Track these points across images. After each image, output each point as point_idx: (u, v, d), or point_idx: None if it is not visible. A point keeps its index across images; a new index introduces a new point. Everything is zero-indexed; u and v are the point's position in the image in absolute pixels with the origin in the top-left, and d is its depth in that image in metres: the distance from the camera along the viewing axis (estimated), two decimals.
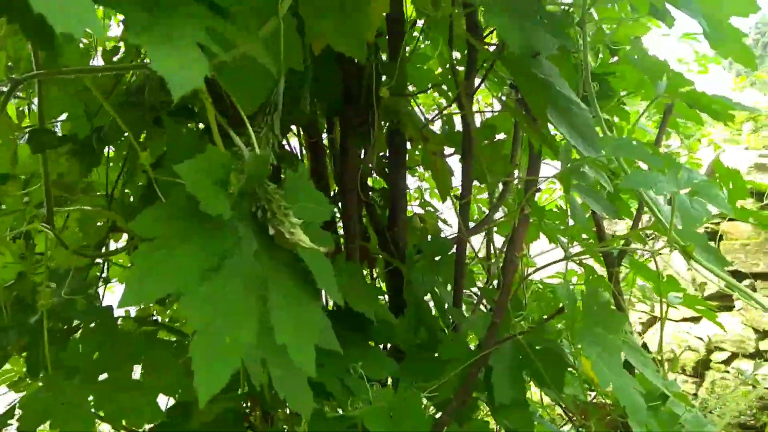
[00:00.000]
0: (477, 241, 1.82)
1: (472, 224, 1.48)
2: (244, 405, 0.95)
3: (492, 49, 1.32)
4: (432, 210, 1.83)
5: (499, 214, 1.67)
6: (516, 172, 1.60)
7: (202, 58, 0.42)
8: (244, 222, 0.51)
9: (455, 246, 1.31)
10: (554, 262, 0.89)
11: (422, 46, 1.81)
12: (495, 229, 1.85)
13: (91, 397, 0.61)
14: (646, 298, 1.77)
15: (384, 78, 1.30)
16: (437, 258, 1.41)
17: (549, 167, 1.54)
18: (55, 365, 0.63)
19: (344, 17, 0.66)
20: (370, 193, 1.51)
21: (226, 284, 0.48)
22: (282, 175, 0.59)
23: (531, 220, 0.96)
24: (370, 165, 1.23)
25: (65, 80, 1.12)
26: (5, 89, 0.60)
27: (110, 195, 1.06)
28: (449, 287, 1.36)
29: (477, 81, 1.32)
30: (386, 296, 1.55)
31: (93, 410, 0.60)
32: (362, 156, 1.28)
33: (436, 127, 1.95)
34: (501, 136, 1.70)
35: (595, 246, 1.06)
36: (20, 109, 1.14)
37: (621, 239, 0.94)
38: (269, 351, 0.53)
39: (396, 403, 0.85)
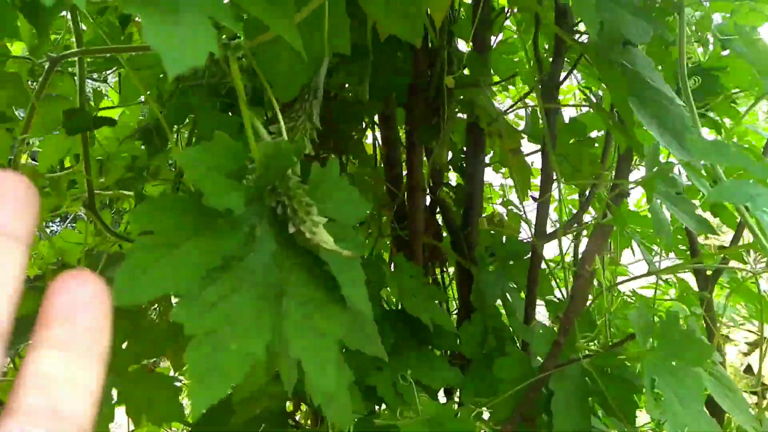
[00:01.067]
0: (567, 243, 1.70)
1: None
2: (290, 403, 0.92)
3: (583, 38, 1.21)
4: (514, 209, 1.73)
5: (588, 218, 1.56)
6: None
7: (210, 34, 0.37)
8: (264, 220, 0.46)
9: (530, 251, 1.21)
10: (635, 278, 0.79)
11: (515, 36, 1.71)
12: (585, 233, 1.73)
13: (115, 391, 0.59)
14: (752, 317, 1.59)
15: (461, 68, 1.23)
16: (512, 262, 1.32)
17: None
18: None
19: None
20: (446, 189, 1.45)
21: (235, 288, 0.43)
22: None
23: (614, 228, 0.86)
24: (442, 161, 1.15)
25: (142, 65, 1.13)
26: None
27: (177, 179, 1.05)
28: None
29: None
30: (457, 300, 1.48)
31: (115, 402, 0.58)
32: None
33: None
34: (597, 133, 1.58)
35: (687, 262, 0.94)
36: (98, 89, 1.17)
37: (717, 255, 0.82)
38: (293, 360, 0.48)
39: (443, 417, 0.79)
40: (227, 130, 0.51)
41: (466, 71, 1.21)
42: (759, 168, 0.52)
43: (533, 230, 1.18)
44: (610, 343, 0.77)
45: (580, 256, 1.71)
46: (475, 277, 1.24)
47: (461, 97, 1.15)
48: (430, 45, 1.00)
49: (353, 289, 0.49)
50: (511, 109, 1.07)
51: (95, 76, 1.08)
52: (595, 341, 0.79)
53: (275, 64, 0.55)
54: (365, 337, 0.69)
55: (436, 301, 1.08)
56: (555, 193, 1.42)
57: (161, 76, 1.19)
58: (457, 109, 1.11)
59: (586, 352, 0.70)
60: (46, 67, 0.59)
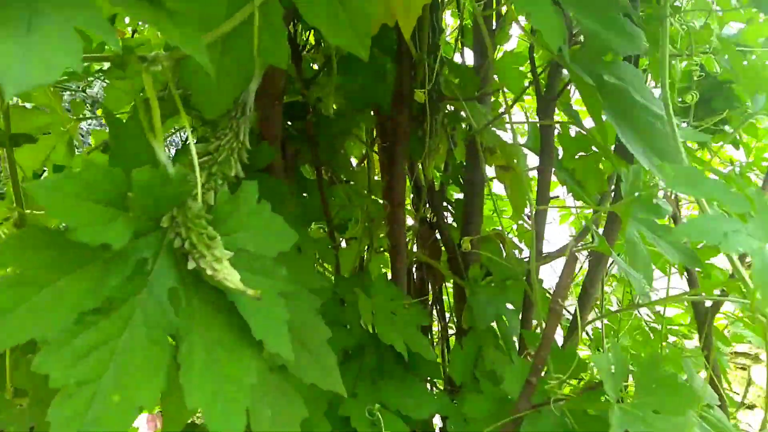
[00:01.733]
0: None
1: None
2: None
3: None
4: (525, 225, 1.66)
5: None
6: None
7: (71, 47, 0.33)
8: (162, 253, 0.41)
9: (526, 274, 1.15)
10: (624, 309, 0.72)
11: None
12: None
13: (33, 426, 0.55)
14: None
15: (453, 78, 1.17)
16: (510, 282, 1.25)
17: None
18: (3, 387, 0.59)
19: (342, 5, 0.54)
20: (444, 205, 1.39)
21: (120, 331, 0.39)
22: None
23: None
24: (428, 176, 1.10)
25: (132, 74, 1.10)
26: None
27: None
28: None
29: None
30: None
31: None
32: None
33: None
34: None
35: (686, 293, 0.87)
36: (76, 99, 1.14)
37: (716, 287, 0.75)
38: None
39: None
40: (142, 152, 0.46)
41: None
42: (737, 200, 0.46)
43: (532, 249, 1.12)
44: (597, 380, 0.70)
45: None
46: (468, 298, 1.18)
47: (453, 109, 1.10)
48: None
49: (266, 330, 0.44)
50: (493, 120, 1.00)
51: (73, 86, 1.05)
52: (578, 379, 0.72)
53: (198, 79, 0.51)
54: (320, 370, 0.64)
55: (420, 325, 1.02)
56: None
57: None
58: (444, 122, 1.05)
59: (562, 392, 0.64)
60: None
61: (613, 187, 1.38)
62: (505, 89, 1.16)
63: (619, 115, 0.69)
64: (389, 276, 1.18)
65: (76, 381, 0.36)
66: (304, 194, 1.05)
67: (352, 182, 1.20)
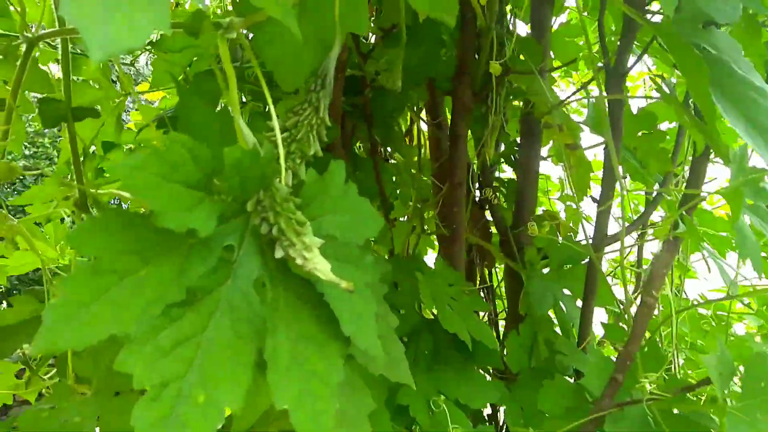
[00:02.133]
0: (631, 239, 1.55)
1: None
2: None
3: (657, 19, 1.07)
4: (572, 205, 1.59)
5: (656, 216, 1.41)
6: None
7: (159, 7, 0.29)
8: (246, 240, 0.37)
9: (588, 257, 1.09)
10: (709, 302, 0.67)
11: (578, 17, 1.57)
12: (651, 233, 1.58)
13: (99, 416, 0.53)
14: None
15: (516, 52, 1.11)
16: (568, 266, 1.20)
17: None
18: (64, 374, 0.56)
19: None
20: (496, 184, 1.33)
21: (204, 325, 0.35)
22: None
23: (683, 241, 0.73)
24: (489, 155, 1.04)
25: (171, 47, 1.06)
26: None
27: None
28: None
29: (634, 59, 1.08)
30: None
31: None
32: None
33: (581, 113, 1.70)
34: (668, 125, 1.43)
35: None
36: (128, 73, 1.11)
37: None
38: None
39: None
40: (210, 128, 0.42)
41: (521, 56, 1.09)
42: None
43: (593, 234, 1.06)
44: (680, 378, 0.65)
45: (644, 258, 1.56)
46: (525, 283, 1.13)
47: (514, 84, 1.04)
48: (478, 26, 0.89)
49: (356, 325, 0.40)
50: (570, 99, 0.94)
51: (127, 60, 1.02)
52: (664, 376, 0.67)
53: (275, 47, 0.46)
54: (388, 360, 0.60)
55: (479, 312, 0.98)
56: (619, 188, 1.28)
57: (195, 59, 1.12)
58: (510, 98, 1.00)
59: (651, 390, 0.59)
60: (23, 49, 0.53)
61: (678, 166, 1.31)
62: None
63: (719, 89, 0.63)
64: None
65: (161, 380, 0.33)
66: (357, 172, 1.01)
67: (404, 160, 1.16)
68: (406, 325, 0.95)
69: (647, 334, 0.75)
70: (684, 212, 0.67)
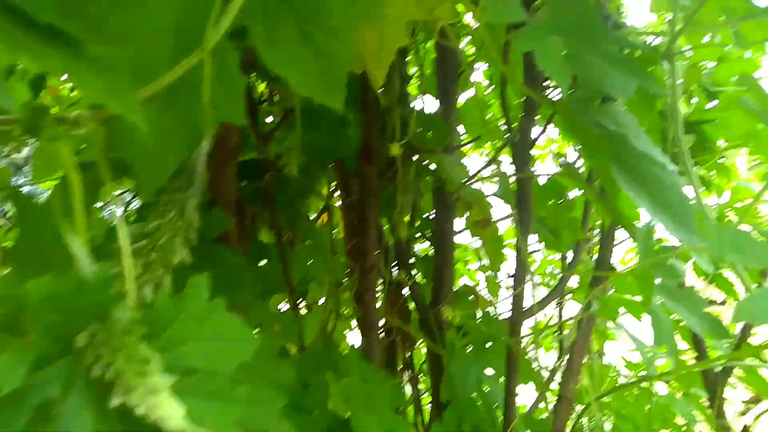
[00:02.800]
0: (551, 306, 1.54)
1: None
2: None
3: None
4: (492, 274, 1.57)
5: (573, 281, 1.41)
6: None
7: None
8: (77, 385, 0.30)
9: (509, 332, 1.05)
10: (627, 385, 0.63)
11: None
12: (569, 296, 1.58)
13: None
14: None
15: (423, 129, 1.10)
16: (489, 344, 1.16)
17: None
18: None
19: (312, 50, 0.46)
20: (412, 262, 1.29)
21: None
22: None
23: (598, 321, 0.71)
24: (401, 235, 1.01)
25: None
26: None
27: None
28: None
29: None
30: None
31: None
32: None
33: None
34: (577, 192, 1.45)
35: (690, 365, 0.79)
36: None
37: (725, 358, 0.67)
38: None
39: None
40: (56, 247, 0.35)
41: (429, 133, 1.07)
42: None
43: (510, 313, 1.02)
44: None
45: (563, 319, 1.54)
46: (446, 366, 1.08)
47: (424, 161, 1.02)
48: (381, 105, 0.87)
49: None
50: (475, 177, 0.92)
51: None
52: None
53: (134, 142, 0.40)
54: None
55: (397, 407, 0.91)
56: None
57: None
58: (420, 175, 0.97)
59: None
60: None
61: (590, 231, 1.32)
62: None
63: (620, 166, 0.62)
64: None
65: None
66: (262, 260, 0.94)
67: (313, 244, 1.10)
68: (317, 428, 0.86)
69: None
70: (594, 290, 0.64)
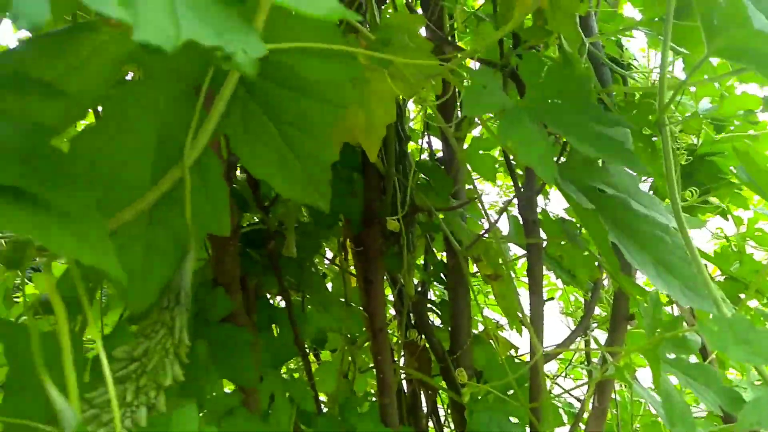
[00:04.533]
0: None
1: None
2: None
3: None
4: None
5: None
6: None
7: None
8: None
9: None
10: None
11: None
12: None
13: None
14: None
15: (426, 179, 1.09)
16: (510, 391, 1.14)
17: None
18: None
19: (293, 152, 0.46)
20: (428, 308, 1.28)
21: None
22: None
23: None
24: (410, 293, 1.00)
25: None
26: None
27: None
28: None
29: None
30: None
31: None
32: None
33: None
34: None
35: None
36: None
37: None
38: None
39: None
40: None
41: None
42: None
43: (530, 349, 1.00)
44: None
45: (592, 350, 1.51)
46: (468, 420, 1.06)
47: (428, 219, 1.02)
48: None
49: None
50: (478, 238, 0.92)
51: None
52: None
53: (126, 259, 0.41)
54: None
55: None
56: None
57: None
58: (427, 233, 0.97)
59: None
60: None
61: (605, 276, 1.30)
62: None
63: (622, 231, 0.61)
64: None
65: None
66: (273, 325, 0.94)
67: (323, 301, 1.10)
68: None
69: None
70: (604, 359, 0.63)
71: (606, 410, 0.91)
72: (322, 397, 1.24)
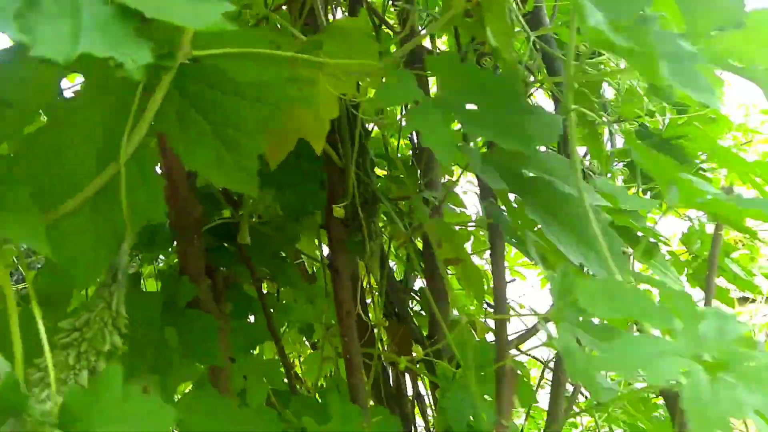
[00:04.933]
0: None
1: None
2: None
3: None
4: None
5: None
6: None
7: None
8: None
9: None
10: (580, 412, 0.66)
11: None
12: None
13: None
14: None
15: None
16: (483, 372, 1.19)
17: None
18: None
19: (224, 146, 0.51)
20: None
21: None
22: None
23: None
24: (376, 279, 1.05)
25: None
26: None
27: None
28: None
29: None
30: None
31: None
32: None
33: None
34: None
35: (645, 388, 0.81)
36: None
37: None
38: None
39: None
40: None
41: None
42: (658, 315, 0.41)
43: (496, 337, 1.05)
44: None
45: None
46: (439, 399, 1.11)
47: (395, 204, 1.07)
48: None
49: None
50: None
51: None
52: None
53: (69, 246, 0.47)
54: None
55: None
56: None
57: None
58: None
59: None
60: None
61: None
62: None
63: (546, 211, 0.66)
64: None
65: None
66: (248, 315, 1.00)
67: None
68: None
69: None
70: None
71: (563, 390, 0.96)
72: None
